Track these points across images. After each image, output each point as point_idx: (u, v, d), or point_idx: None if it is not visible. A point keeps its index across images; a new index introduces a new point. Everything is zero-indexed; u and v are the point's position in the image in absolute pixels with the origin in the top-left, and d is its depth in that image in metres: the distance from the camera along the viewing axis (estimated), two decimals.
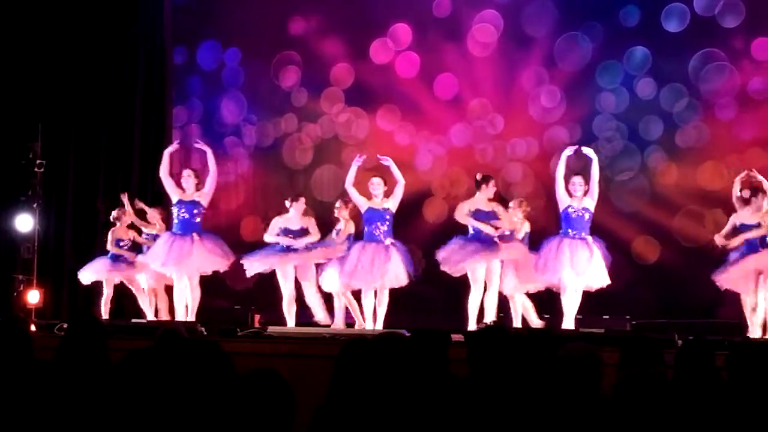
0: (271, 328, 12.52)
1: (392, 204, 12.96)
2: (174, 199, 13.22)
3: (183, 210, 13.14)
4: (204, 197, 13.23)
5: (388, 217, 12.90)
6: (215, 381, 4.10)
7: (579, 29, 15.81)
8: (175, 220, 13.21)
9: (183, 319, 12.75)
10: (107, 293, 13.93)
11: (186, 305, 13.02)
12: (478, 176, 12.84)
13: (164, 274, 13.40)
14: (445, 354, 5.67)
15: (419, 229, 15.42)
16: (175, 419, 4.08)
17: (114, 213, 14.04)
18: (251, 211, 16.52)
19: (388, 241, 12.85)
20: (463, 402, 4.67)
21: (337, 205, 13.52)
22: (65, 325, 9.14)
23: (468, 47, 16.26)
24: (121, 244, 13.91)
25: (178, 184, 13.24)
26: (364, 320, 12.98)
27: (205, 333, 11.65)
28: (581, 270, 12.19)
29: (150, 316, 13.75)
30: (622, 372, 5.37)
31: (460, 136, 16.22)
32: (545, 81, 16.00)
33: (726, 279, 12.33)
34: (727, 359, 5.60)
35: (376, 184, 12.98)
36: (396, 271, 12.73)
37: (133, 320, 13.50)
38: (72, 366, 5.31)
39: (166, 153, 13.46)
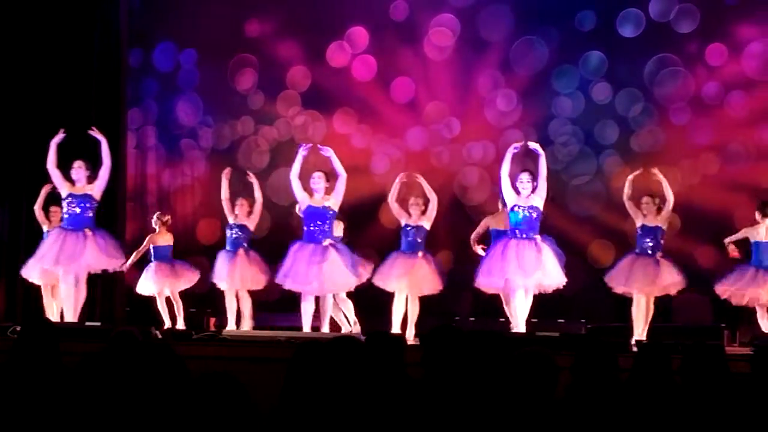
0: (226, 332, 12.43)
1: (333, 201, 12.30)
2: (63, 193, 12.57)
3: (74, 204, 12.46)
4: (96, 190, 12.54)
5: (328, 215, 12.30)
6: (168, 384, 4.08)
7: (535, 34, 15.87)
8: (65, 215, 12.55)
9: (70, 320, 12.33)
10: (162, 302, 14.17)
11: (73, 305, 12.42)
12: None
13: (52, 272, 12.90)
14: (401, 357, 5.66)
15: (375, 232, 15.39)
16: (128, 422, 4.05)
17: (155, 217, 14.13)
18: (207, 214, 16.45)
19: (327, 241, 12.27)
20: (416, 404, 4.67)
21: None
22: (18, 328, 9.08)
23: (425, 51, 16.28)
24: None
25: (68, 177, 12.58)
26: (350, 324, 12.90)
27: (160, 336, 11.59)
28: (529, 271, 11.85)
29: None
30: (576, 375, 5.39)
31: (416, 139, 16.24)
32: (501, 85, 16.04)
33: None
34: (682, 363, 5.64)
35: (317, 179, 12.35)
36: (337, 275, 12.20)
37: (87, 323, 13.40)
38: (25, 369, 5.27)
39: (53, 144, 12.63)
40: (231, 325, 13.51)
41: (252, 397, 3.81)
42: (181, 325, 13.91)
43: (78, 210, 12.48)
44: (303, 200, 12.39)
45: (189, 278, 14.18)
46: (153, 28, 17.08)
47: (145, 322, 13.37)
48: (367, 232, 15.32)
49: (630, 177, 12.83)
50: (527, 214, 11.98)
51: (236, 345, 11.30)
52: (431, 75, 16.30)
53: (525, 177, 12.07)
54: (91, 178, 12.58)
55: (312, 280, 12.16)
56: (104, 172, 12.58)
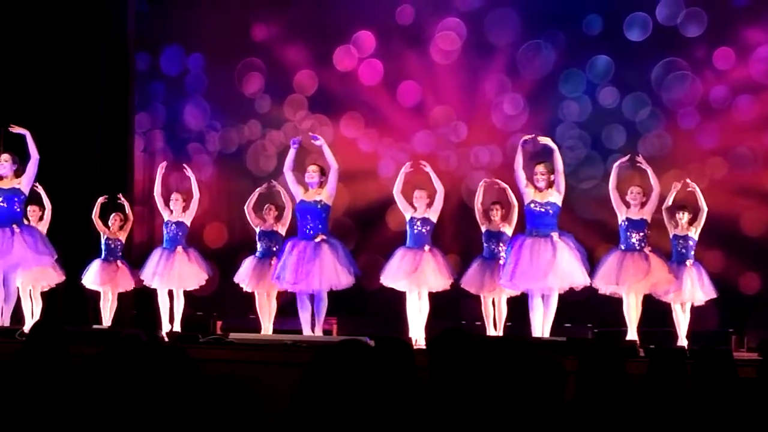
0: (233, 335, 12.38)
1: (326, 195, 12.00)
2: None
3: (1, 199, 12.11)
4: (24, 184, 12.19)
5: (320, 209, 11.95)
6: (180, 387, 4.07)
7: (542, 37, 15.86)
8: None
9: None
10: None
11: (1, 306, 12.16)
12: None
13: None
14: (412, 362, 5.64)
15: (382, 236, 15.38)
16: (136, 425, 4.05)
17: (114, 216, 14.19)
18: (215, 218, 16.49)
19: (319, 237, 11.93)
20: (425, 409, 4.66)
21: None
22: (26, 331, 9.06)
23: (431, 55, 16.28)
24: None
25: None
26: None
27: (167, 339, 11.57)
28: (541, 274, 11.53)
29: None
30: (583, 380, 5.38)
31: (423, 143, 16.22)
32: (508, 89, 16.03)
33: None
34: (691, 368, 5.62)
35: (312, 172, 12.11)
36: (331, 272, 11.85)
37: (94, 326, 13.40)
38: (32, 371, 5.26)
39: None
40: (165, 326, 13.42)
41: (259, 400, 3.81)
42: (108, 322, 13.95)
43: (5, 205, 12.15)
44: (296, 194, 12.14)
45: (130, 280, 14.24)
46: (160, 32, 17.16)
47: (150, 325, 13.43)
48: (375, 235, 15.32)
49: (616, 165, 12.52)
50: (543, 210, 11.75)
51: (243, 348, 11.26)
52: (438, 79, 16.31)
53: (540, 169, 11.80)
54: (19, 172, 12.27)
55: (302, 278, 11.87)
56: (32, 166, 12.24)
